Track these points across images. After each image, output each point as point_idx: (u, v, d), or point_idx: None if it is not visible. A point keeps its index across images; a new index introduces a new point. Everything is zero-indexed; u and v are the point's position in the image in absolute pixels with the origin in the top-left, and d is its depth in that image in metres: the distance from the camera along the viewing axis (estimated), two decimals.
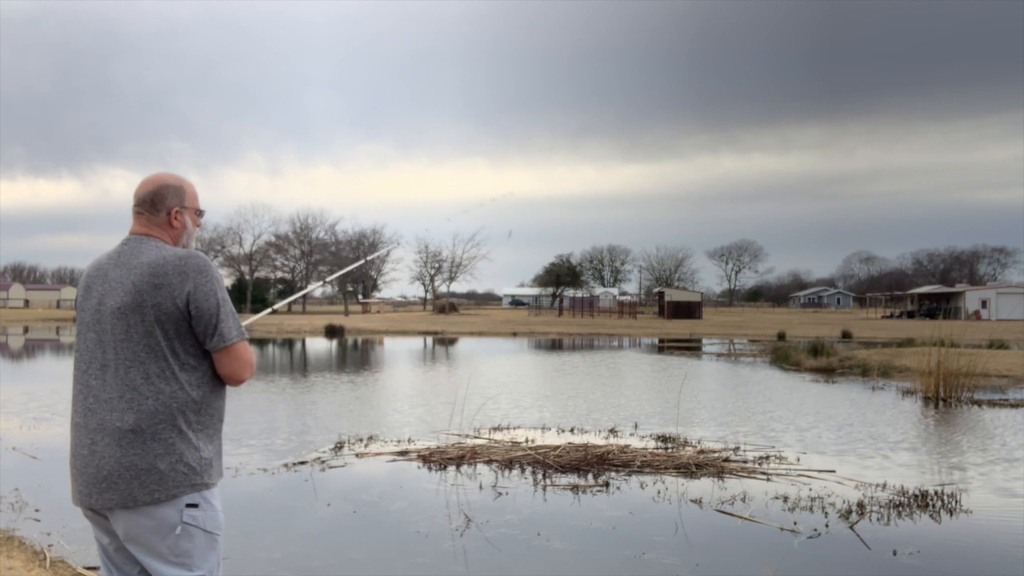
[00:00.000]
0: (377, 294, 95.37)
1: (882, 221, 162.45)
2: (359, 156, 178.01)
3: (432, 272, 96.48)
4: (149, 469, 2.43)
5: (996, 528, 6.43)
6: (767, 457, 8.96)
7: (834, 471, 8.28)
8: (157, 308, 2.46)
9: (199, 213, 2.76)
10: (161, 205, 2.64)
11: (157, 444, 2.44)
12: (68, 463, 2.58)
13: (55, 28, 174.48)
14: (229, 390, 2.73)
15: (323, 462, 8.63)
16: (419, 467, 8.42)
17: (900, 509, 6.81)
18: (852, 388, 16.95)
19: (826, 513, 6.68)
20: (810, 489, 7.52)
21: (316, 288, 4.80)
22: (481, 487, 7.54)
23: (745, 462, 8.69)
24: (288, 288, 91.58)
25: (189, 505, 2.48)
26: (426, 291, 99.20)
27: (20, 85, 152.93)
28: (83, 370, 2.56)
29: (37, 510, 6.59)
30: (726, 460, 8.69)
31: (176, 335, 2.49)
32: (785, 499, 7.12)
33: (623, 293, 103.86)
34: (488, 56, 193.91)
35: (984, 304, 65.42)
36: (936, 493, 7.30)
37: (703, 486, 7.63)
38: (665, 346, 35.69)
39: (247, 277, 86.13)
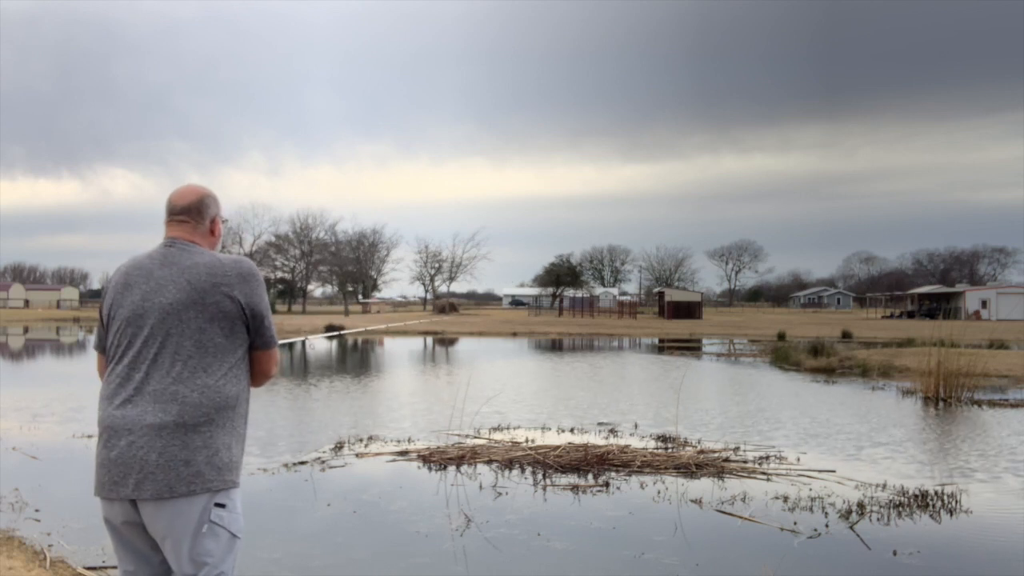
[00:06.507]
0: (377, 294, 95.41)
1: (882, 221, 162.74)
2: (359, 156, 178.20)
3: (432, 272, 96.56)
4: (188, 462, 2.48)
5: (996, 528, 6.43)
6: (767, 457, 8.96)
7: (834, 471, 8.28)
8: (216, 306, 2.59)
9: (224, 221, 2.95)
10: (206, 213, 2.81)
11: (197, 438, 2.50)
12: (96, 454, 2.58)
13: (55, 28, 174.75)
14: None
15: (323, 462, 8.63)
16: (419, 467, 8.42)
17: (900, 509, 6.81)
18: (852, 388, 16.94)
19: (826, 513, 6.68)
20: (810, 489, 7.52)
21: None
22: (481, 487, 7.54)
23: (745, 462, 8.68)
24: (288, 288, 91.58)
25: (218, 504, 2.53)
26: (426, 291, 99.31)
27: (20, 85, 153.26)
28: (124, 363, 2.59)
29: (37, 510, 6.59)
30: (726, 460, 8.69)
31: (231, 332, 2.63)
32: (785, 499, 7.12)
33: (623, 293, 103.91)
34: (488, 56, 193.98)
35: (984, 304, 65.42)
36: (936, 493, 7.30)
37: (703, 486, 7.63)
38: (665, 346, 35.68)
39: None
